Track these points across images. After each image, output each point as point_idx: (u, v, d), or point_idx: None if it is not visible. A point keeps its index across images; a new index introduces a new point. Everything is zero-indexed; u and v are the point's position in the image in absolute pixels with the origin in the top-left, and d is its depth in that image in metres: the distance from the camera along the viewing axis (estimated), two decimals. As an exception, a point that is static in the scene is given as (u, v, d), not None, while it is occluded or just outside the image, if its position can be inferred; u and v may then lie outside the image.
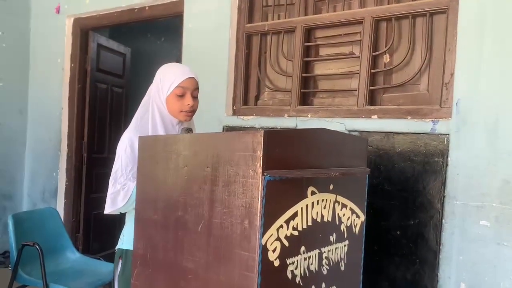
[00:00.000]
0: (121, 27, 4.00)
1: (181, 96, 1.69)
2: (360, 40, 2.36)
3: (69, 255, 2.85)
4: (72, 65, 3.82)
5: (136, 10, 3.33)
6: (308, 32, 2.57)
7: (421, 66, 2.21)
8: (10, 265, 3.62)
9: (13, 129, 4.05)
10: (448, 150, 2.04)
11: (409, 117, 2.18)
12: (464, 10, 2.03)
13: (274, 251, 1.21)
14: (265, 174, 1.17)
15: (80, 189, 3.92)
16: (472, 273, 1.98)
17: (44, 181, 4.03)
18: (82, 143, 3.90)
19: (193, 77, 1.73)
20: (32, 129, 4.14)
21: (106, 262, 2.81)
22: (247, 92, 2.84)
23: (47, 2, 3.94)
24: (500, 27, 1.93)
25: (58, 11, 3.85)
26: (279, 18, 2.70)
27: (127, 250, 1.65)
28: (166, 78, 1.71)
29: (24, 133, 4.14)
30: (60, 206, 3.88)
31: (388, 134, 2.21)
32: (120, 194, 1.60)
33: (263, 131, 1.17)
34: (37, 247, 2.43)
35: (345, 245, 1.56)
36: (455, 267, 2.02)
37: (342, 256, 1.54)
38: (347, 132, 2.31)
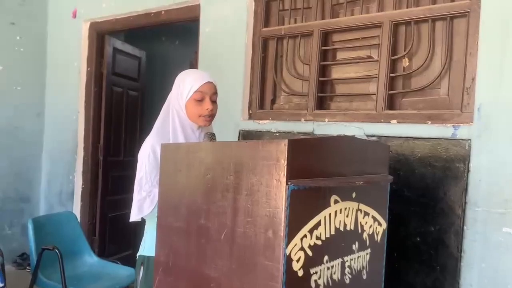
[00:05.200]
0: (136, 31, 4.03)
1: (200, 100, 1.71)
2: (379, 44, 2.34)
3: (87, 258, 2.88)
4: (89, 68, 3.85)
5: (152, 15, 3.35)
6: (325, 36, 2.55)
7: (441, 70, 2.18)
8: (28, 267, 3.67)
9: (31, 133, 4.10)
10: (469, 156, 2.01)
11: (429, 122, 2.15)
12: (486, 14, 2.00)
13: (298, 261, 1.21)
14: (289, 183, 1.17)
15: (96, 192, 3.95)
16: (494, 281, 1.95)
17: (61, 184, 4.07)
18: (98, 146, 3.93)
19: (211, 82, 1.75)
20: (49, 132, 4.18)
21: (124, 266, 2.83)
22: (263, 96, 2.84)
23: (64, 6, 3.98)
24: (523, 31, 1.90)
25: (74, 15, 3.89)
26: (295, 22, 2.69)
27: (148, 257, 1.66)
28: (185, 84, 1.73)
29: (41, 136, 4.19)
30: (76, 209, 3.92)
31: (407, 139, 2.19)
32: (146, 201, 1.61)
33: (287, 140, 1.17)
34: (57, 251, 2.45)
35: (367, 254, 1.55)
36: (477, 274, 1.99)
37: (364, 265, 1.53)
38: (365, 137, 2.29)
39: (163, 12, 3.28)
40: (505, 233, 1.92)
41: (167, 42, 5.16)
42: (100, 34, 3.83)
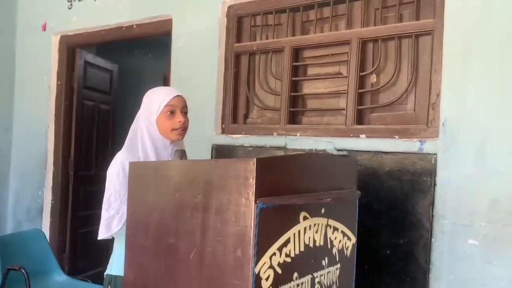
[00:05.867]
0: (108, 44, 3.99)
1: (171, 114, 1.70)
2: (347, 61, 2.39)
3: (56, 277, 2.80)
4: (59, 82, 3.78)
5: (124, 28, 3.33)
6: (296, 52, 2.59)
7: (408, 86, 2.24)
8: (-6, 288, 3.53)
9: (-2, 147, 3.99)
10: (435, 170, 2.07)
11: (396, 137, 2.20)
12: (449, 32, 2.07)
13: (267, 279, 1.21)
14: (257, 202, 1.18)
15: (66, 208, 3.86)
16: (461, 292, 1.99)
17: (30, 200, 3.95)
18: (68, 160, 3.85)
19: (181, 95, 1.76)
20: (17, 147, 4.07)
21: (94, 284, 2.76)
22: (236, 110, 2.85)
23: (33, 19, 3.91)
24: (486, 47, 1.97)
25: (44, 28, 3.82)
26: (267, 38, 2.73)
27: (116, 276, 1.63)
28: (154, 100, 1.73)
29: (9, 151, 4.07)
30: (45, 225, 3.81)
31: (376, 153, 2.23)
32: (115, 219, 1.59)
33: (255, 159, 1.18)
34: (23, 271, 2.38)
35: (337, 269, 1.56)
36: (445, 286, 2.03)
37: (334, 280, 1.55)
38: (336, 152, 2.33)
39: (135, 26, 3.27)
40: (471, 244, 1.98)
41: (140, 55, 5.13)
42: (71, 47, 3.77)
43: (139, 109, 1.78)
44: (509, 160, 1.90)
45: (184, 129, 1.75)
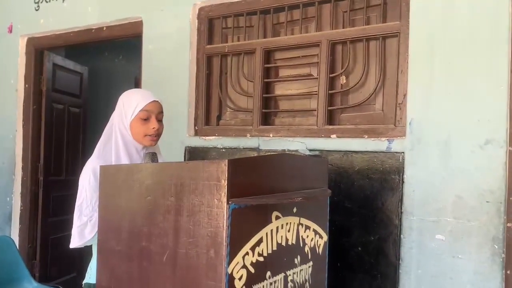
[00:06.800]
0: (78, 46, 3.92)
1: (146, 119, 1.68)
2: (318, 62, 2.43)
3: (26, 285, 2.73)
4: (27, 85, 3.69)
5: (93, 31, 3.28)
6: (268, 54, 2.62)
7: (376, 87, 2.30)
8: (-40, 298, 3.42)
9: (-38, 153, 3.86)
10: (403, 168, 2.13)
11: (366, 136, 2.26)
12: (415, 34, 2.14)
13: (240, 279, 1.23)
14: (230, 202, 1.19)
15: (36, 214, 3.77)
16: (430, 286, 2.06)
17: (-3, 207, 3.85)
18: (38, 166, 3.76)
19: (157, 101, 1.73)
20: (-17, 153, 3.95)
21: (66, 291, 2.71)
22: (209, 112, 2.85)
23: (-1, 21, 3.81)
24: (449, 49, 2.05)
25: (10, 30, 3.73)
26: (238, 40, 2.74)
27: (95, 285, 1.60)
28: (130, 103, 1.69)
29: (-25, 157, 3.95)
30: (14, 232, 3.72)
31: (346, 152, 2.28)
32: (87, 226, 1.57)
33: (227, 160, 1.19)
34: (-9, 279, 2.32)
35: (309, 266, 1.59)
36: (414, 280, 2.10)
37: (307, 278, 1.58)
38: (308, 152, 2.37)
39: (104, 28, 3.23)
40: (438, 239, 2.05)
41: (111, 57, 5.07)
42: (39, 50, 3.69)
43: (112, 111, 1.76)
44: (472, 158, 1.98)
45: (157, 135, 1.73)
